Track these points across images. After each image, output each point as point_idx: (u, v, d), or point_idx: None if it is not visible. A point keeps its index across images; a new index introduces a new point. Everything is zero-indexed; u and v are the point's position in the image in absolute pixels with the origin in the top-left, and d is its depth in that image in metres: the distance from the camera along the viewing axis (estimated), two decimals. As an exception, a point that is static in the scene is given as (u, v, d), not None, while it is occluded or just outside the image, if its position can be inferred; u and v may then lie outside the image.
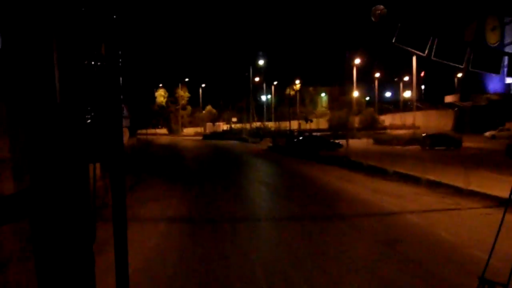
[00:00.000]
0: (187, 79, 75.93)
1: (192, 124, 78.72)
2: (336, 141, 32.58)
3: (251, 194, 14.08)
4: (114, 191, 1.39)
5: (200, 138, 58.80)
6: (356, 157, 21.78)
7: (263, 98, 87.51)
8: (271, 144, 37.91)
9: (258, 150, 35.33)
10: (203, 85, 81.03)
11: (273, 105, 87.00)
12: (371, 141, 39.10)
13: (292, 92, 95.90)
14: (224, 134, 57.07)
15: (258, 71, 68.26)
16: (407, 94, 66.14)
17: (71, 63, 1.30)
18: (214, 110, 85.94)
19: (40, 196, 1.29)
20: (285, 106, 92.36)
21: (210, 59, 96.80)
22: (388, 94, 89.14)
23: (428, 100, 66.07)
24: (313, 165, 22.10)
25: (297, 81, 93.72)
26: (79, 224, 1.33)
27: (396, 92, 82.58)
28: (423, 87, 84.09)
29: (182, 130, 75.43)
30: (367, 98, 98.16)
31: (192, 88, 79.35)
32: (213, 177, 18.59)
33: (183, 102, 77.37)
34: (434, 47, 2.59)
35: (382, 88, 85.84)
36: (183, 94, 76.65)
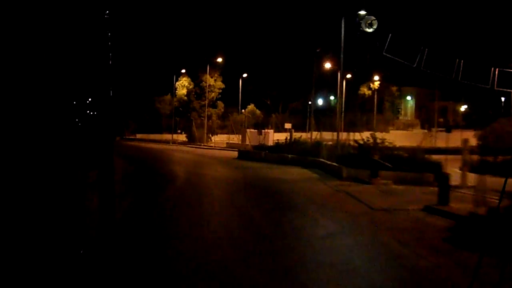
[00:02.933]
0: (219, 59, 49.29)
1: (225, 129, 53.13)
2: None
3: None
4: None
5: (235, 155, 33.23)
6: None
7: (324, 100, 62.52)
8: (431, 202, 12.20)
9: (416, 240, 9.47)
10: (245, 75, 55.37)
11: (342, 109, 61.20)
12: None
13: (368, 92, 69.52)
14: (280, 151, 30.26)
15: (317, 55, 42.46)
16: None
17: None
18: (258, 111, 60.70)
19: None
20: (355, 111, 67.20)
21: (254, 39, 72.16)
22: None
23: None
24: None
25: (376, 77, 67.63)
26: None
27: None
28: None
29: (209, 138, 50.10)
30: (464, 107, 71.25)
31: (227, 79, 54.12)
32: None
33: (213, 94, 51.58)
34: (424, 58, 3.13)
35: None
36: (213, 82, 50.54)
